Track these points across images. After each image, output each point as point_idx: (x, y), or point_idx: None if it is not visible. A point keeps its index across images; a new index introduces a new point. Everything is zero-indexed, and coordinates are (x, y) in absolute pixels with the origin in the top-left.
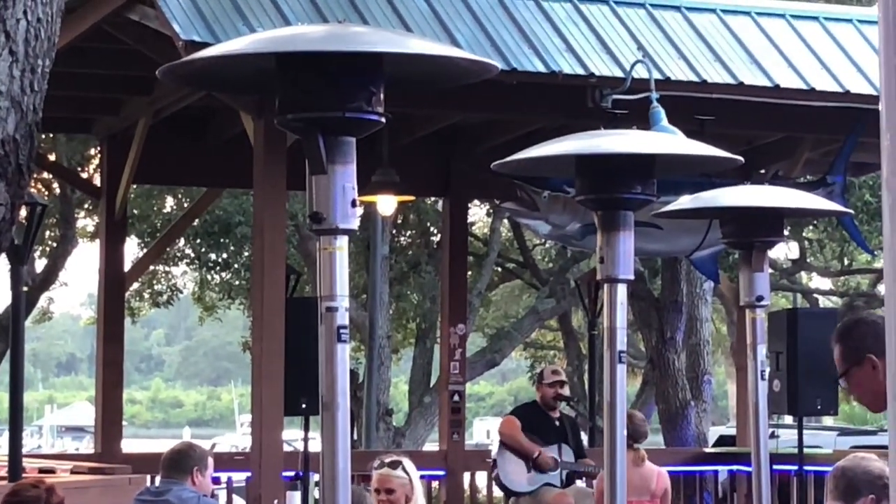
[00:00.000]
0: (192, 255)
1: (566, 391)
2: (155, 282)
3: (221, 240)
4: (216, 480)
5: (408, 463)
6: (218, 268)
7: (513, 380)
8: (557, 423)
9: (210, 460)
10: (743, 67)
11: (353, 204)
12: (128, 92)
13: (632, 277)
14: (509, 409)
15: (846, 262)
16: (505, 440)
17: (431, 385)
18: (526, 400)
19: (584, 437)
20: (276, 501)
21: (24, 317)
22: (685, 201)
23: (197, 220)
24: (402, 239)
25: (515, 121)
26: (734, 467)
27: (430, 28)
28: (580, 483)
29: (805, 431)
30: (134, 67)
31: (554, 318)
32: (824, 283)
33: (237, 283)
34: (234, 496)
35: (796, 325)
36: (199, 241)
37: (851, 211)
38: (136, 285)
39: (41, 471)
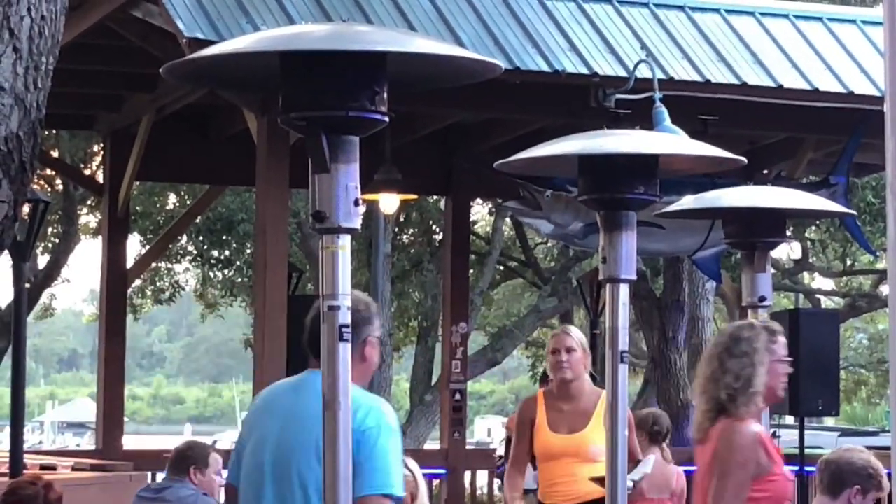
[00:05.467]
0: (195, 252)
1: None
2: (157, 278)
3: (224, 237)
4: None
5: (410, 461)
6: (220, 265)
7: (514, 378)
8: None
9: (213, 458)
10: (746, 67)
11: (356, 203)
12: (131, 89)
13: (634, 277)
14: (511, 408)
15: (848, 262)
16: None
17: (433, 383)
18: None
19: None
20: None
21: (27, 313)
22: (688, 201)
23: (199, 218)
24: (405, 237)
25: (518, 120)
26: None
27: (433, 27)
28: None
29: (806, 432)
30: (137, 64)
31: (556, 317)
32: (826, 284)
33: (239, 280)
34: None
35: (798, 325)
36: (201, 238)
37: (854, 212)
38: (138, 282)
39: (42, 467)
